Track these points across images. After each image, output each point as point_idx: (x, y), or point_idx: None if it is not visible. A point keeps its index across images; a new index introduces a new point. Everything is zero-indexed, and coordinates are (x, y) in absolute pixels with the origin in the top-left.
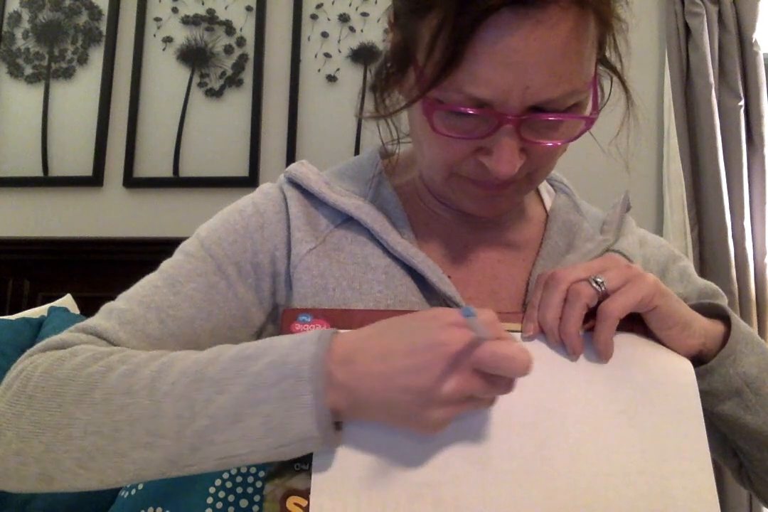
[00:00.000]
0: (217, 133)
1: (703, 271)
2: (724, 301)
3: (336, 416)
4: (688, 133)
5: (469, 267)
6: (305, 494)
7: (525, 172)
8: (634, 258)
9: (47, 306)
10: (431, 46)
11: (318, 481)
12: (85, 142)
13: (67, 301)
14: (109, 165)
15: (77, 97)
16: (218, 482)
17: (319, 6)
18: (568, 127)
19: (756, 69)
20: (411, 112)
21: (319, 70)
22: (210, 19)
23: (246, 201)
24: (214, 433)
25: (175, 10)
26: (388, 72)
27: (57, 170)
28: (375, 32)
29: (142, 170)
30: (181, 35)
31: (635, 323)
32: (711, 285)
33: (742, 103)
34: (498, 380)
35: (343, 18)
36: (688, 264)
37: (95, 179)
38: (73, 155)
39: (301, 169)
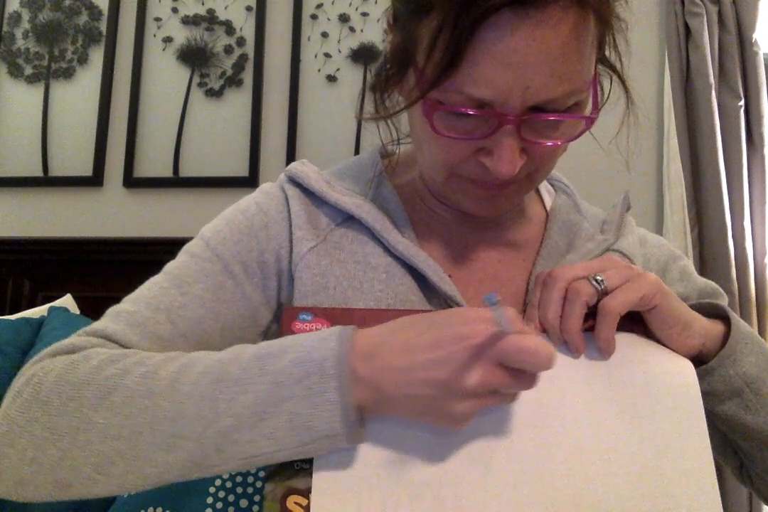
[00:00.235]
0: (217, 133)
1: (703, 271)
2: (724, 300)
3: (360, 412)
4: (688, 133)
5: (470, 266)
6: (305, 493)
7: (525, 172)
8: (634, 257)
9: (47, 306)
10: (431, 47)
11: (319, 480)
12: (85, 142)
13: (67, 301)
14: (109, 165)
15: (77, 97)
16: (218, 482)
17: (319, 6)
18: (568, 127)
19: (756, 69)
20: (411, 113)
21: (319, 70)
22: (210, 19)
23: (248, 201)
24: (238, 433)
25: (175, 10)
26: (388, 73)
27: (57, 170)
28: (375, 32)
29: (142, 170)
30: (181, 35)
31: (635, 323)
32: (711, 284)
33: (742, 103)
34: (521, 375)
35: (343, 18)
36: (689, 263)
37: (95, 179)
38: (73, 155)
39: (301, 167)
